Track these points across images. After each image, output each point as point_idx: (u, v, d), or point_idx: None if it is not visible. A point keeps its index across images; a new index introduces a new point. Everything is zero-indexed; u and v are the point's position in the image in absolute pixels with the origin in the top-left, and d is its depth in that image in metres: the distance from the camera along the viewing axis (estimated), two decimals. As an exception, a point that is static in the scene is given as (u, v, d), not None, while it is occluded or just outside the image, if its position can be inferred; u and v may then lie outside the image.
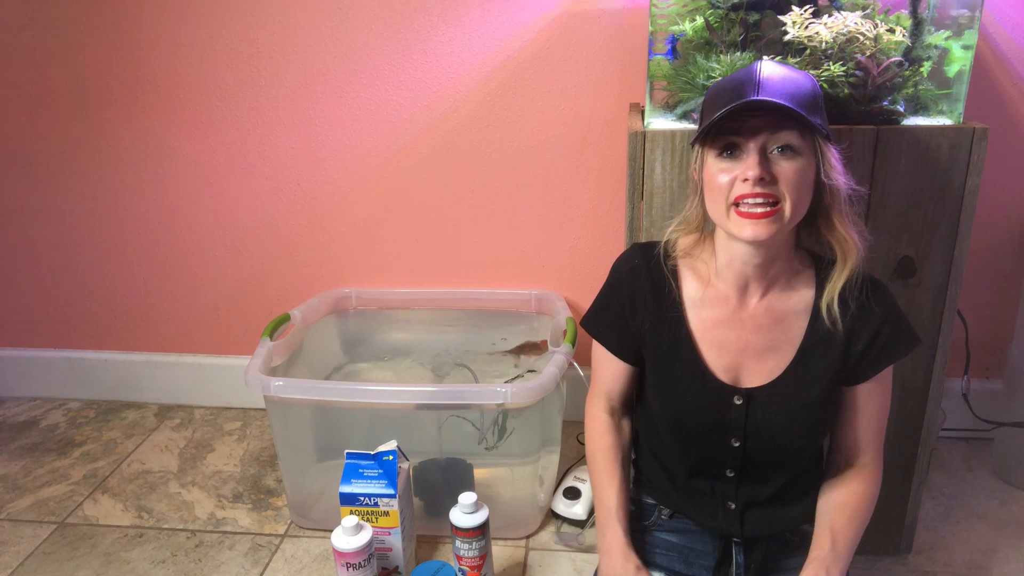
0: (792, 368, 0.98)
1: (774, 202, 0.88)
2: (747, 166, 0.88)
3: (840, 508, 1.01)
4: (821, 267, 0.99)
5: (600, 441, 1.11)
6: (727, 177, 0.90)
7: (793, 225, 0.92)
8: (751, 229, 0.89)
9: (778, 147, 0.89)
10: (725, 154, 0.91)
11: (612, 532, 1.04)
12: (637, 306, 1.03)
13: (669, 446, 1.07)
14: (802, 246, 1.01)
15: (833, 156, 0.92)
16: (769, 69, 0.89)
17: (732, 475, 1.03)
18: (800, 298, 0.99)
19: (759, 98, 0.85)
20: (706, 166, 0.93)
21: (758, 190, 0.87)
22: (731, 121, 0.88)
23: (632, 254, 1.06)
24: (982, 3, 1.19)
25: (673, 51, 1.25)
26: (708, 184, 0.93)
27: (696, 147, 0.95)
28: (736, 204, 0.89)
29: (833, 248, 0.96)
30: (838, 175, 0.92)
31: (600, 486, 1.08)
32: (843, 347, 0.97)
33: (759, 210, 0.88)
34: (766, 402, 0.99)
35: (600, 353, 1.11)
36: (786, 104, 0.85)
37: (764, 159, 0.88)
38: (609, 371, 1.11)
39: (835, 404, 1.02)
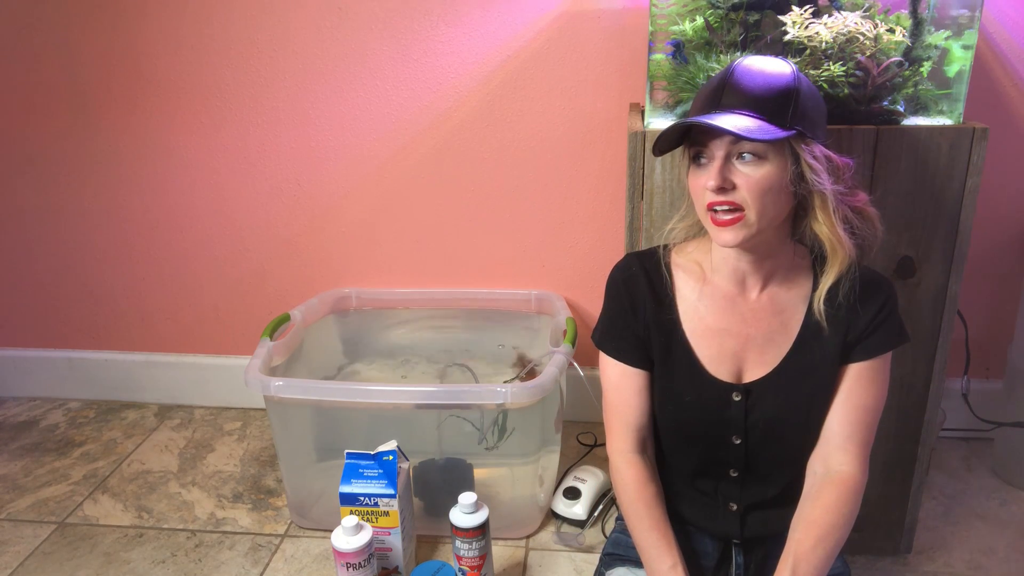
0: (788, 358, 0.99)
1: (738, 208, 0.89)
2: (708, 175, 0.89)
3: (808, 527, 0.95)
4: (819, 258, 0.99)
5: (644, 491, 1.02)
6: (699, 185, 0.92)
7: (766, 228, 0.91)
8: (722, 235, 0.91)
9: (741, 153, 0.89)
10: (696, 162, 0.93)
11: None
12: (639, 312, 1.03)
13: (671, 448, 1.07)
14: (798, 237, 1.01)
15: (811, 156, 0.89)
16: (745, 67, 0.90)
17: (736, 475, 1.03)
18: (799, 289, 0.99)
19: (708, 120, 0.86)
20: (689, 173, 0.96)
21: (720, 198, 0.89)
22: (698, 132, 0.90)
23: (628, 262, 1.06)
24: (982, 3, 1.19)
25: (680, 54, 1.24)
26: (690, 190, 0.96)
27: (683, 153, 0.97)
28: (710, 211, 0.91)
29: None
30: (816, 175, 0.89)
31: (655, 547, 0.99)
32: (841, 334, 0.97)
33: (725, 217, 0.90)
34: (764, 395, 0.99)
35: (616, 378, 1.05)
36: (743, 116, 0.86)
37: (727, 166, 0.89)
38: (631, 394, 1.04)
39: (833, 394, 1.01)
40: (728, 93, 0.89)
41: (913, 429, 1.33)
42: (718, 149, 0.89)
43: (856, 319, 0.97)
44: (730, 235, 0.90)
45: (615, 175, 1.75)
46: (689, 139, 0.93)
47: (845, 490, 0.96)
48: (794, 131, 0.87)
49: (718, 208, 0.90)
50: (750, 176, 0.88)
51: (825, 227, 0.92)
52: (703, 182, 0.90)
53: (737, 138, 0.87)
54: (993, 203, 1.64)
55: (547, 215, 1.81)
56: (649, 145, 1.22)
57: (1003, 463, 1.69)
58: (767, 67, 0.91)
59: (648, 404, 1.05)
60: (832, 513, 0.95)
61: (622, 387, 1.05)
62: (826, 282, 0.96)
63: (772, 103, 0.88)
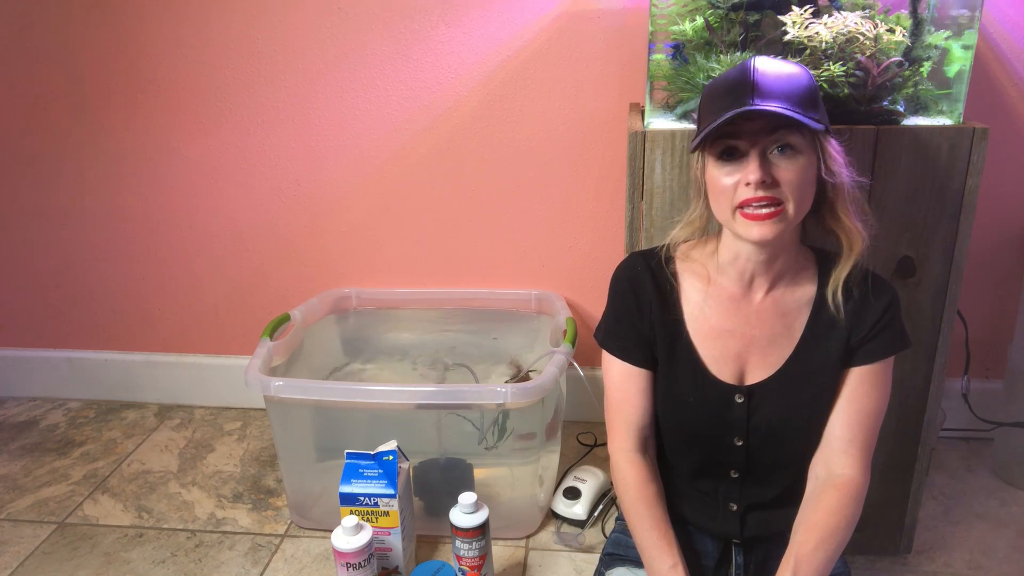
0: (792, 361, 0.99)
1: (777, 203, 0.88)
2: (748, 171, 0.88)
3: (810, 530, 0.95)
4: (824, 260, 1.00)
5: (645, 490, 1.02)
6: (730, 181, 0.90)
7: (798, 222, 0.93)
8: (757, 231, 0.89)
9: (778, 147, 0.89)
10: (725, 157, 0.91)
11: None
12: (644, 311, 1.03)
13: (672, 448, 1.07)
14: (806, 240, 1.01)
15: (834, 149, 0.92)
16: (764, 66, 0.90)
17: (736, 476, 1.03)
18: (804, 292, 0.99)
19: (755, 107, 0.86)
20: (708, 170, 0.94)
21: (761, 193, 0.88)
22: (729, 125, 0.88)
23: (633, 261, 1.06)
24: (982, 3, 1.19)
25: (680, 55, 1.24)
26: (711, 188, 0.94)
27: (699, 153, 0.96)
28: (741, 207, 0.89)
29: (838, 238, 0.96)
30: (840, 168, 0.92)
31: (656, 546, 0.99)
32: (844, 338, 0.97)
33: (764, 211, 0.88)
34: (766, 397, 0.99)
35: (619, 377, 1.05)
36: (783, 108, 0.85)
37: (765, 161, 0.88)
38: (634, 393, 1.04)
39: (835, 397, 1.01)
40: (759, 89, 0.88)
41: (913, 429, 1.33)
42: (754, 144, 0.88)
43: (860, 322, 0.97)
44: (767, 229, 0.88)
45: (615, 175, 1.75)
46: (713, 135, 0.90)
47: (847, 493, 0.96)
48: (823, 126, 0.89)
49: (755, 204, 0.88)
50: (788, 168, 0.88)
51: (844, 218, 0.94)
52: (738, 178, 0.89)
53: (786, 126, 0.87)
54: (993, 203, 1.64)
55: (547, 215, 1.81)
56: (649, 145, 1.22)
57: (1003, 463, 1.69)
58: (785, 67, 0.91)
59: (651, 404, 1.05)
60: (834, 516, 0.95)
61: (625, 386, 1.05)
62: (843, 272, 0.96)
63: (803, 98, 0.88)
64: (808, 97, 0.89)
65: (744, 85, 0.88)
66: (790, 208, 0.89)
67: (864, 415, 0.98)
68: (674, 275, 1.03)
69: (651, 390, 1.05)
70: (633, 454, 1.05)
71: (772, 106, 0.86)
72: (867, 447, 0.98)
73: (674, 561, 0.98)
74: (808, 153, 0.90)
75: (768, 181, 0.87)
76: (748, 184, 0.88)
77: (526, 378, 1.62)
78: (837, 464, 0.98)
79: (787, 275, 0.99)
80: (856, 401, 0.98)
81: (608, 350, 1.06)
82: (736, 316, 1.00)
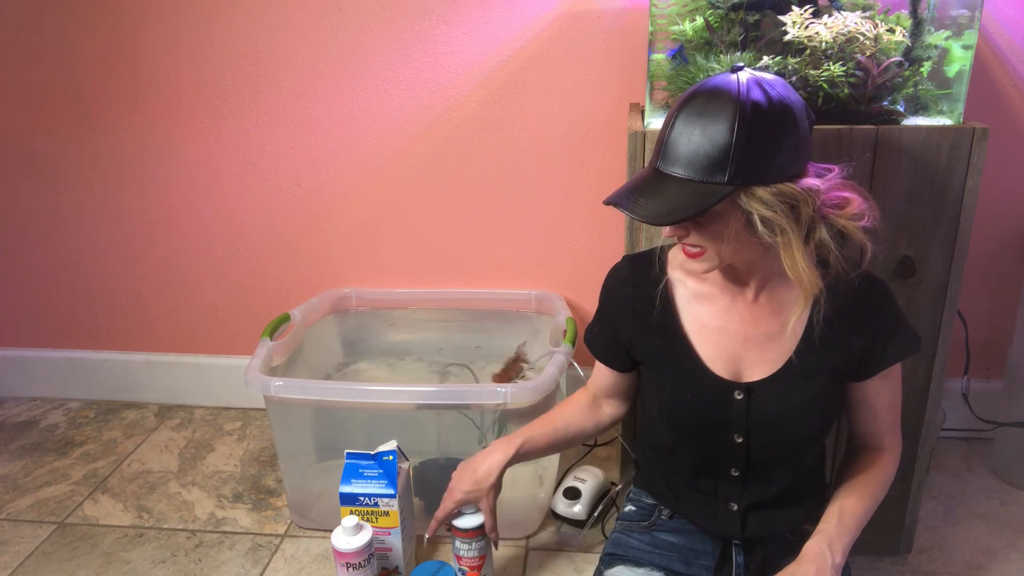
0: (793, 360, 0.99)
1: (699, 245, 0.91)
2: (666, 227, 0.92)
3: (852, 485, 1.03)
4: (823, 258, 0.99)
5: (568, 404, 1.23)
6: None
7: (733, 260, 0.93)
8: (689, 264, 0.94)
9: None
10: None
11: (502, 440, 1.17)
12: (626, 316, 1.05)
13: (672, 447, 1.07)
14: None
15: (760, 203, 0.84)
16: (682, 125, 0.87)
17: (737, 474, 1.03)
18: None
19: (625, 210, 0.87)
20: None
21: (681, 242, 0.92)
22: None
23: (620, 266, 1.09)
24: (982, 3, 1.19)
25: (680, 55, 1.24)
26: None
27: None
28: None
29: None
30: (766, 224, 0.85)
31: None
32: (845, 341, 0.98)
33: (691, 250, 0.92)
34: (767, 395, 0.99)
35: (598, 364, 1.19)
36: (666, 195, 0.86)
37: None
38: (604, 378, 1.19)
39: (837, 398, 1.02)
40: (664, 154, 0.88)
41: (913, 429, 1.33)
42: None
43: (862, 327, 0.97)
44: (696, 266, 0.93)
45: (615, 175, 1.75)
46: None
47: (884, 458, 1.06)
48: (731, 187, 0.84)
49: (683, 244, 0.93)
50: (697, 233, 0.90)
51: (789, 269, 0.89)
52: None
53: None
54: (993, 203, 1.64)
55: (547, 215, 1.81)
56: (649, 145, 1.22)
57: (1003, 463, 1.69)
58: (704, 122, 0.85)
59: (612, 385, 1.18)
60: (871, 477, 1.04)
61: (599, 371, 1.20)
62: (797, 310, 0.95)
63: (706, 162, 0.84)
64: (714, 161, 0.84)
65: (660, 143, 0.89)
66: (712, 254, 0.91)
67: (888, 410, 1.05)
68: (667, 274, 1.04)
69: (613, 378, 1.17)
70: (579, 393, 1.23)
71: (647, 203, 0.86)
72: (896, 426, 1.07)
73: (524, 438, 1.17)
74: (717, 215, 0.87)
75: (682, 234, 0.91)
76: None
77: (514, 369, 1.62)
78: (872, 443, 1.07)
79: (776, 275, 0.99)
80: (878, 406, 1.03)
81: (588, 347, 1.18)
82: (731, 313, 1.00)
